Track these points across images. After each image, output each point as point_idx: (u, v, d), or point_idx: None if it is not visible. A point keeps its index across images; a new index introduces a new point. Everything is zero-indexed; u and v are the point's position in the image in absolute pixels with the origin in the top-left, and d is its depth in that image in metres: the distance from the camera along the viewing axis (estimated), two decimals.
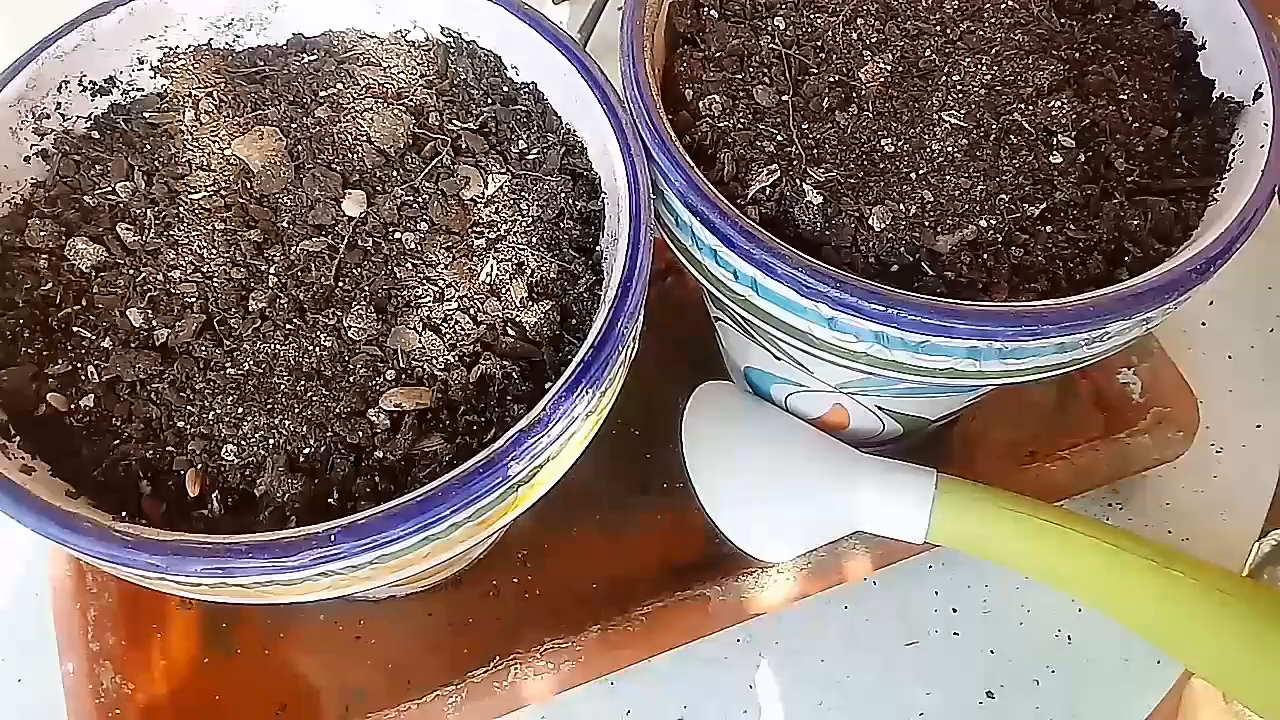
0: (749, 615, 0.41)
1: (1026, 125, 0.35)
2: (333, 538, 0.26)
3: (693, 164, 0.33)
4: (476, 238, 0.34)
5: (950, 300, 0.31)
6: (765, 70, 0.37)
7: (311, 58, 0.38)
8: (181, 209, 0.34)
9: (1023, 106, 0.36)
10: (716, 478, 0.41)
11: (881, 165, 0.35)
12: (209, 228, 0.34)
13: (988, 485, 0.39)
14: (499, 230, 0.34)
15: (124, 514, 0.28)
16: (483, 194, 0.35)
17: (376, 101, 0.36)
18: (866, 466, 0.40)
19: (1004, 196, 0.34)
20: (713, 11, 0.39)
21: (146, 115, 0.36)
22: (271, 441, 0.30)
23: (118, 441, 0.30)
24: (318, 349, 0.31)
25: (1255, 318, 0.54)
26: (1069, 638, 0.44)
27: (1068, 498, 0.44)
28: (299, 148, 0.35)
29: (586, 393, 0.29)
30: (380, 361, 0.31)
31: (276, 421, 0.30)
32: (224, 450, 0.30)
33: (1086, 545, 0.36)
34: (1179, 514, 0.48)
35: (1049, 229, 0.34)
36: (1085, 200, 0.34)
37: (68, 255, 0.33)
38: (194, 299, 0.32)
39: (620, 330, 0.30)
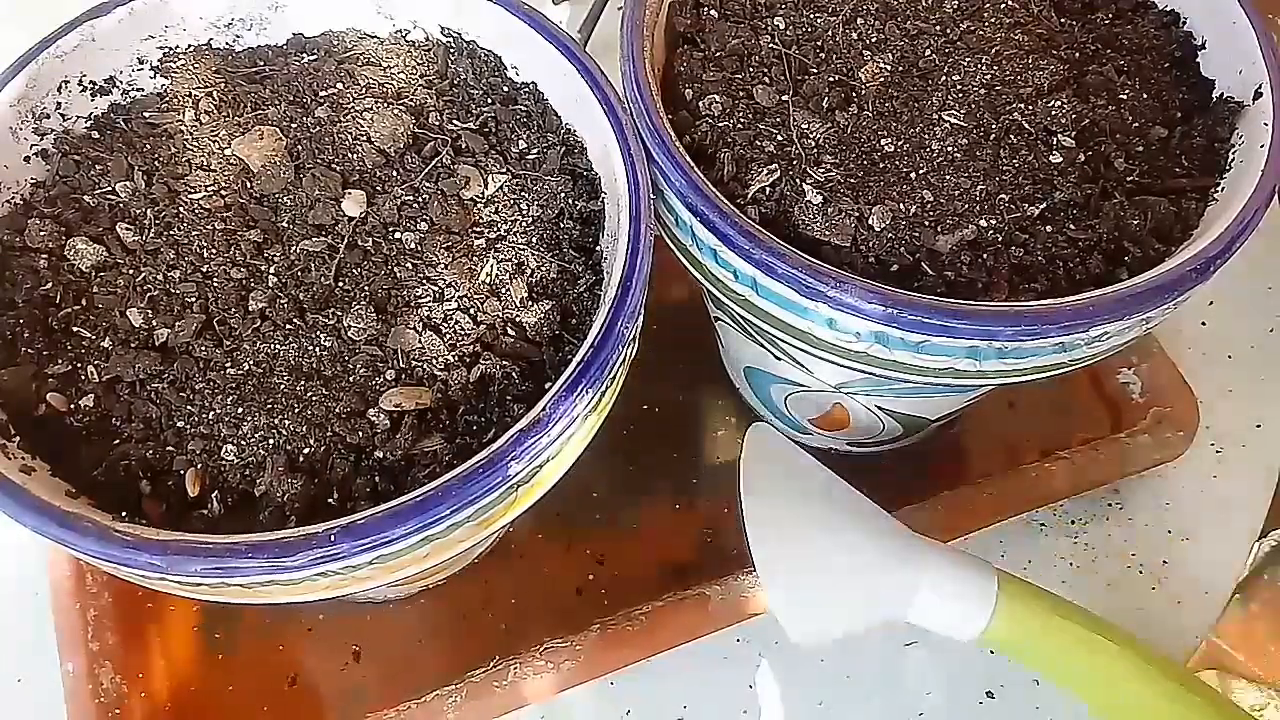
0: (749, 615, 0.41)
1: (1026, 125, 0.35)
2: (332, 538, 0.26)
3: (693, 164, 0.33)
4: (476, 238, 0.34)
5: (950, 300, 0.31)
6: (765, 70, 0.37)
7: (311, 58, 0.38)
8: (181, 209, 0.34)
9: (1023, 106, 0.36)
10: (781, 544, 0.36)
11: (881, 165, 0.35)
12: (209, 228, 0.34)
13: (1047, 590, 0.36)
14: (499, 230, 0.34)
15: (124, 514, 0.28)
16: (483, 194, 0.35)
17: (376, 101, 0.36)
18: (928, 558, 0.36)
19: (1004, 196, 0.34)
20: (713, 11, 0.39)
21: (146, 115, 0.36)
22: (271, 441, 0.30)
23: (118, 441, 0.30)
24: (318, 349, 0.31)
25: (1255, 318, 0.54)
26: None
27: (1068, 498, 0.44)
28: (299, 148, 0.35)
29: (586, 393, 0.29)
30: (380, 361, 0.31)
31: (276, 421, 0.30)
32: (224, 450, 0.30)
33: (1150, 675, 0.34)
34: (1179, 514, 0.47)
35: (1049, 229, 0.34)
36: (1085, 200, 0.34)
37: (68, 255, 0.33)
38: (194, 299, 0.32)
39: (620, 330, 0.30)
